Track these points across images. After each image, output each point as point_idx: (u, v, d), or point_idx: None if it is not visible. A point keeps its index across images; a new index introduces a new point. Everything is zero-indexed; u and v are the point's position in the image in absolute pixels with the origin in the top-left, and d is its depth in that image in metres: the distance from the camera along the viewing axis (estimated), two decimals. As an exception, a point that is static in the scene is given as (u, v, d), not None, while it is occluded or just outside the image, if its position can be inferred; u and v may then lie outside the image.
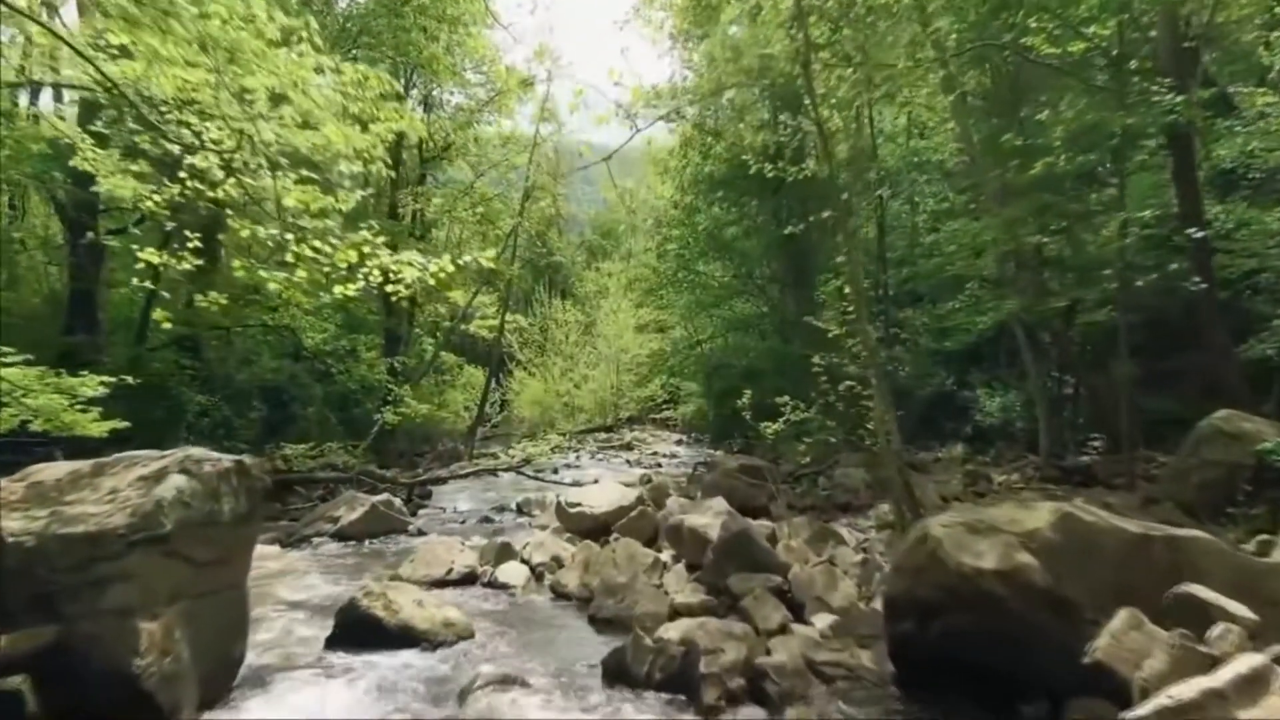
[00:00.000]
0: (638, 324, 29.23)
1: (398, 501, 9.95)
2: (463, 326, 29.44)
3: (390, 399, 15.92)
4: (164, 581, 4.09)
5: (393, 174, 24.78)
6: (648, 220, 20.78)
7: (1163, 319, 10.68)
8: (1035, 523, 3.93)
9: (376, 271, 4.52)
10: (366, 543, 9.03)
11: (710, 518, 7.06)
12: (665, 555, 7.51)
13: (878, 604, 5.62)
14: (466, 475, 14.85)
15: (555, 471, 17.96)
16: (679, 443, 25.47)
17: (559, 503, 9.03)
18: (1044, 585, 3.72)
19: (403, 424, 19.01)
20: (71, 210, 12.87)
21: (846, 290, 6.72)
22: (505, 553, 7.52)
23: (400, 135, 24.07)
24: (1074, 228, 9.60)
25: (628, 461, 19.98)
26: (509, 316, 30.65)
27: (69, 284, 13.70)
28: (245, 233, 4.41)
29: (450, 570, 7.04)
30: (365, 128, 5.05)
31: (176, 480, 4.27)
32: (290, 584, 7.04)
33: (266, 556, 8.15)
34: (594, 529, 8.40)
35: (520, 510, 12.52)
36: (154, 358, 14.52)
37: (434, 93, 25.70)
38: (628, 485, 13.98)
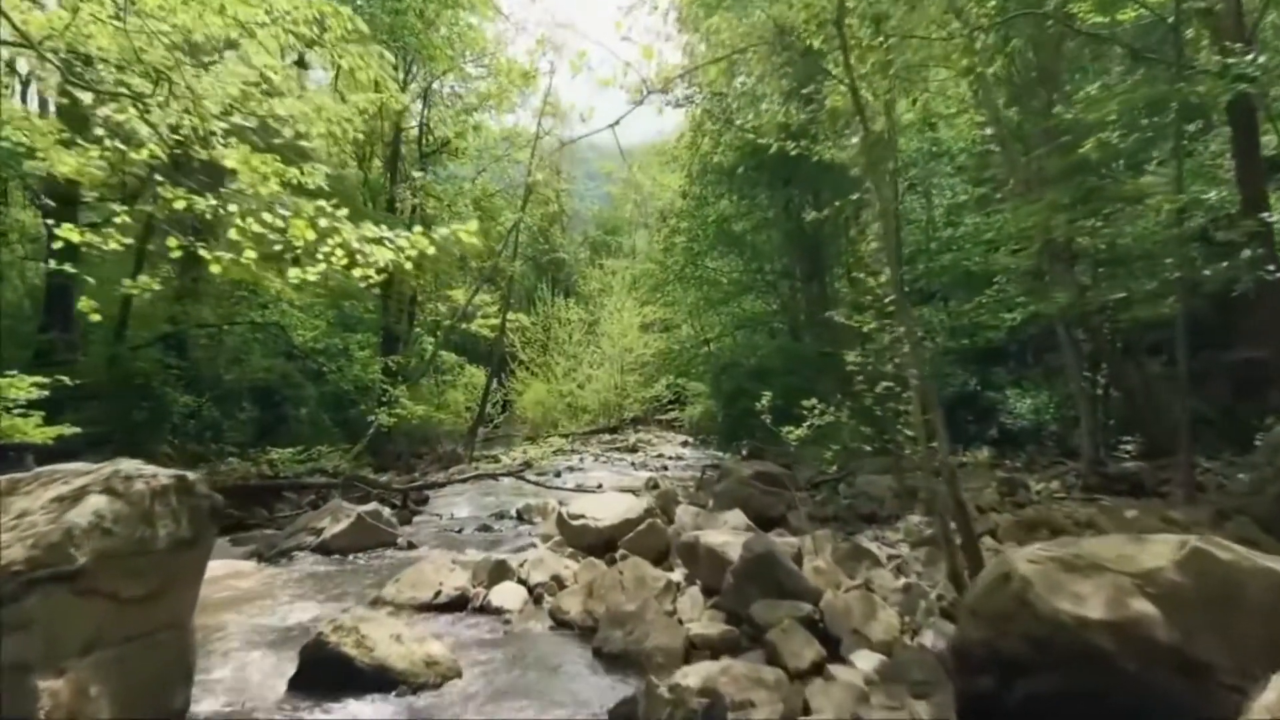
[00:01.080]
0: (643, 322, 28.51)
1: (386, 512, 9.21)
2: (464, 325, 28.79)
3: (385, 400, 15.18)
4: (76, 627, 3.36)
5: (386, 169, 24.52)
6: (654, 214, 20.05)
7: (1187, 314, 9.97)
8: (1154, 561, 3.16)
9: (340, 251, 3.79)
10: (351, 557, 8.28)
11: (728, 534, 6.33)
12: (677, 574, 6.77)
13: (926, 639, 4.88)
14: (464, 480, 14.09)
15: (558, 475, 17.26)
16: (684, 444, 24.75)
17: (560, 514, 8.29)
18: (1169, 642, 2.96)
19: (400, 425, 18.31)
20: (49, 200, 12.16)
21: (881, 280, 5.94)
22: (500, 572, 6.77)
23: (398, 128, 23.81)
24: (1118, 214, 8.82)
25: (632, 464, 19.26)
26: (511, 315, 30.01)
27: (46, 279, 12.99)
28: (180, 203, 3.69)
29: (438, 593, 6.31)
30: (343, 98, 4.36)
31: (96, 502, 3.54)
32: (259, 608, 6.31)
33: (239, 574, 7.46)
34: (598, 544, 7.65)
35: (520, 517, 11.83)
36: (137, 356, 13.81)
37: (434, 85, 24.90)
38: (633, 491, 13.35)
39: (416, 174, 22.06)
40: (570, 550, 7.79)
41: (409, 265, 3.98)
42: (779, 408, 14.02)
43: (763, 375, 15.12)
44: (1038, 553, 3.54)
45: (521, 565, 7.05)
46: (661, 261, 16.79)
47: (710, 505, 9.75)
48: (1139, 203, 8.45)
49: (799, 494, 10.43)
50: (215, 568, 7.52)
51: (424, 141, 26.47)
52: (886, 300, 5.84)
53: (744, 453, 16.98)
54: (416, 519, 12.00)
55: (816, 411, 7.05)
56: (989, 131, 11.88)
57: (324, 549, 8.32)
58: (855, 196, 8.43)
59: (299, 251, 3.81)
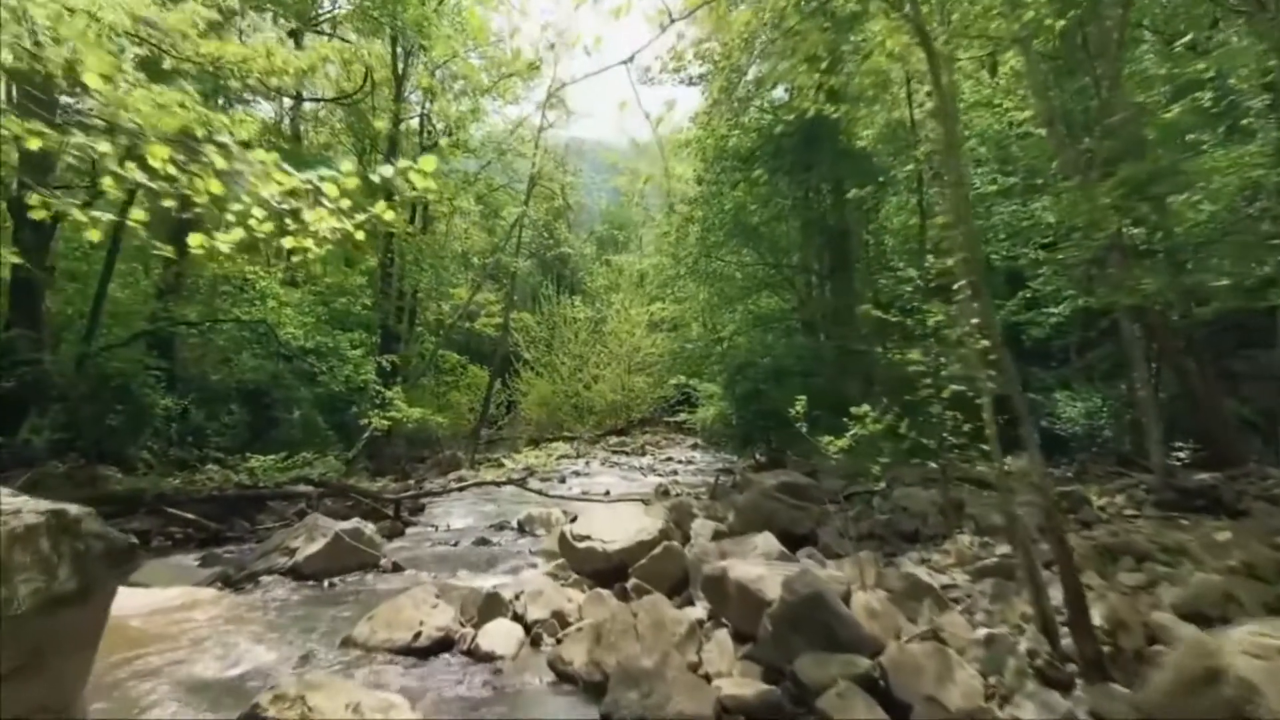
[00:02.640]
0: (651, 320, 27.56)
1: (369, 529, 8.21)
2: (467, 324, 27.92)
3: (379, 402, 14.24)
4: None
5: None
6: (665, 206, 19.04)
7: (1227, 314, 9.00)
8: None
9: (258, 214, 2.83)
10: (326, 583, 7.30)
11: (761, 566, 5.34)
12: (699, 609, 5.78)
13: (1023, 711, 3.87)
14: (461, 490, 13.13)
15: (563, 480, 16.37)
16: (694, 447, 23.85)
17: (563, 534, 7.28)
18: None
19: (399, 428, 17.39)
20: (13, 184, 11.21)
21: (949, 264, 4.93)
22: (492, 607, 5.77)
23: (396, 119, 22.86)
24: (1199, 191, 7.79)
25: (641, 469, 18.31)
26: (515, 314, 29.08)
27: (9, 272, 12.05)
28: (34, 143, 2.73)
29: (418, 634, 5.32)
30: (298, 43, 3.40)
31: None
32: (207, 650, 5.32)
33: (194, 603, 6.49)
34: (606, 570, 6.66)
35: (522, 529, 10.96)
36: (113, 356, 12.86)
37: (435, 75, 23.95)
38: (643, 500, 12.40)
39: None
40: (574, 577, 6.81)
41: (358, 232, 3.01)
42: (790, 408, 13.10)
43: (780, 376, 14.13)
44: (1256, 640, 2.54)
45: (517, 597, 6.06)
46: (673, 254, 15.77)
47: (730, 519, 8.78)
48: (1227, 178, 7.41)
49: (828, 507, 9.46)
50: (171, 596, 6.61)
51: (424, 134, 25.62)
52: (956, 287, 4.83)
53: (759, 457, 16.03)
54: (410, 530, 11.15)
55: (869, 419, 5.99)
56: (1030, 113, 10.90)
57: (296, 573, 7.35)
58: (880, 180, 7.66)
59: (204, 211, 2.85)
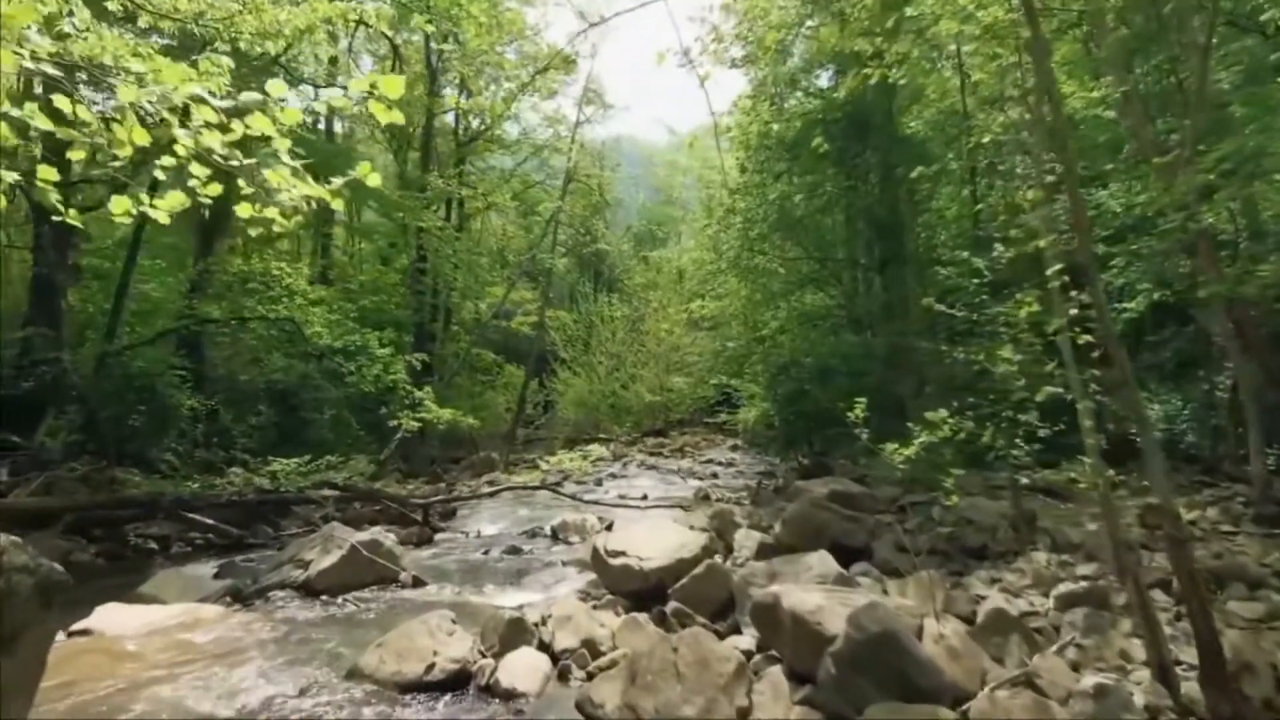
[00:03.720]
0: (690, 319, 26.89)
1: (389, 540, 7.65)
2: (503, 322, 27.50)
3: (409, 402, 13.79)
4: None
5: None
6: (705, 200, 18.36)
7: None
8: None
9: (199, 172, 2.27)
10: (340, 600, 6.76)
11: (819, 593, 4.66)
12: (746, 639, 5.12)
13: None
14: (494, 494, 12.60)
15: (599, 483, 15.80)
16: (734, 449, 23.15)
17: (597, 549, 6.65)
18: None
19: (430, 429, 16.93)
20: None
21: (1040, 245, 4.21)
22: (516, 633, 5.16)
23: (430, 113, 22.47)
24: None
25: (679, 471, 17.65)
26: (551, 312, 28.58)
27: (32, 270, 11.78)
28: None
29: (431, 665, 4.73)
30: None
31: None
32: (200, 679, 4.79)
33: (197, 622, 5.99)
34: (644, 590, 6.03)
35: (556, 535, 10.44)
36: (138, 355, 12.55)
37: (469, 70, 23.54)
38: (684, 508, 11.80)
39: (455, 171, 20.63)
40: (607, 596, 6.19)
41: (334, 199, 2.43)
42: (843, 411, 12.33)
43: (825, 376, 13.39)
44: None
45: (544, 621, 5.45)
46: (714, 248, 15.07)
47: (777, 530, 8.09)
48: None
49: (882, 518, 8.75)
50: (172, 614, 6.12)
51: (460, 131, 25.24)
52: (1051, 272, 4.12)
53: (802, 460, 15.31)
54: (439, 537, 10.68)
55: (947, 425, 5.25)
56: (1098, 93, 10.06)
57: (307, 589, 6.82)
58: (936, 167, 7.02)
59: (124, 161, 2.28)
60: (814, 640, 4.18)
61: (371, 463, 15.61)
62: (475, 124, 25.62)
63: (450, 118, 25.19)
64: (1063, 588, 5.60)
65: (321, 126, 23.65)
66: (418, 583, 7.32)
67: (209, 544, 9.82)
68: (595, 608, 5.84)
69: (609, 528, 11.00)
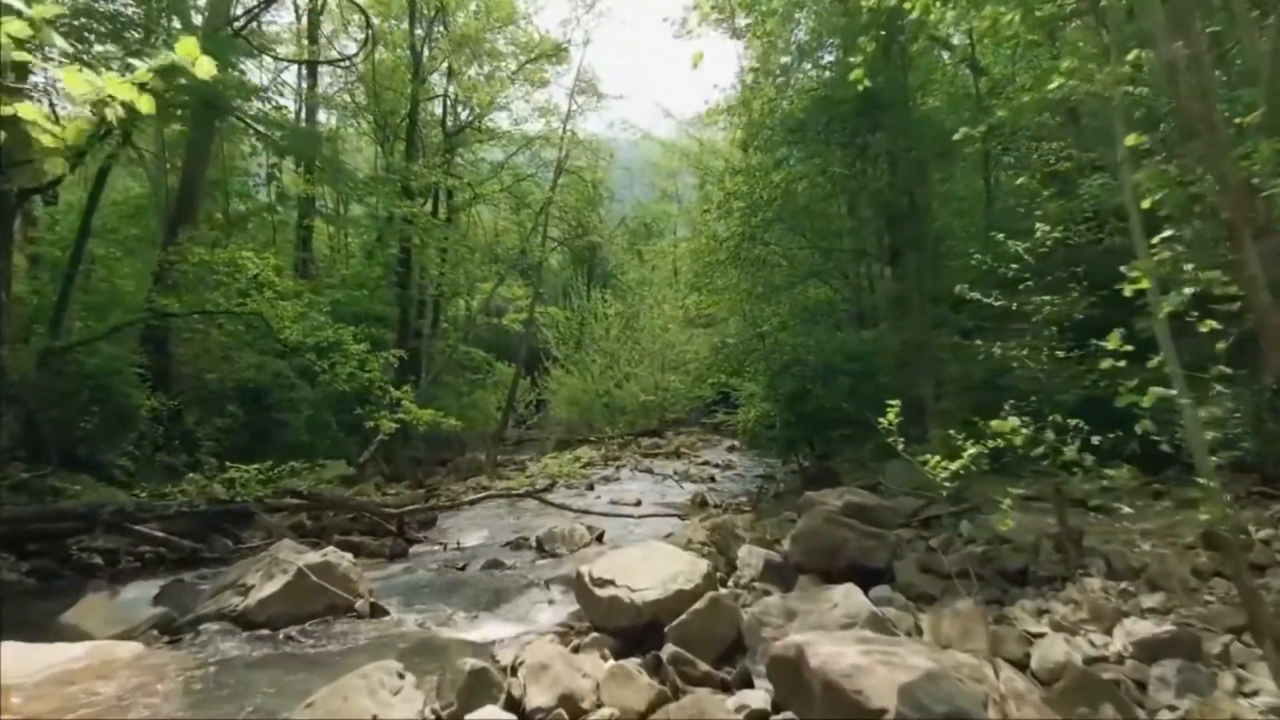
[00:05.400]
0: (686, 315, 25.99)
1: (344, 562, 6.66)
2: (493, 319, 26.62)
3: (387, 402, 12.87)
4: None
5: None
6: (703, 184, 17.42)
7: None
8: None
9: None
10: (281, 634, 5.80)
11: (854, 645, 3.73)
12: (759, 695, 4.20)
13: None
14: (475, 503, 11.72)
15: (590, 487, 14.96)
16: (731, 450, 22.27)
17: (580, 575, 5.69)
18: None
19: (413, 429, 15.98)
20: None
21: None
22: (478, 689, 4.20)
23: (415, 101, 21.51)
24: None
25: (675, 475, 16.73)
26: (543, 309, 27.67)
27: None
28: None
29: (371, 733, 3.81)
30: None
31: None
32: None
33: (107, 666, 5.04)
34: (635, 628, 5.07)
35: (541, 547, 9.63)
36: (92, 352, 11.59)
37: (456, 57, 22.62)
38: (681, 517, 10.97)
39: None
40: (593, 635, 5.25)
41: (142, 99, 1.58)
42: (849, 411, 11.43)
43: (830, 374, 12.51)
44: None
45: (515, 669, 4.50)
46: (712, 236, 14.14)
47: (787, 548, 7.19)
48: None
49: (901, 534, 7.86)
50: (75, 656, 5.13)
51: (448, 121, 24.26)
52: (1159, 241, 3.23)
53: (803, 462, 14.45)
54: (415, 549, 9.87)
55: (1013, 428, 4.27)
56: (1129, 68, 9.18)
57: (246, 621, 5.87)
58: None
59: None
60: (852, 712, 3.26)
61: (349, 466, 14.71)
62: (464, 114, 24.70)
63: (438, 108, 24.28)
64: (1133, 626, 4.69)
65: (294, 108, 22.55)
66: (376, 611, 6.38)
67: (160, 559, 8.91)
68: (577, 649, 4.91)
69: (599, 538, 10.19)
